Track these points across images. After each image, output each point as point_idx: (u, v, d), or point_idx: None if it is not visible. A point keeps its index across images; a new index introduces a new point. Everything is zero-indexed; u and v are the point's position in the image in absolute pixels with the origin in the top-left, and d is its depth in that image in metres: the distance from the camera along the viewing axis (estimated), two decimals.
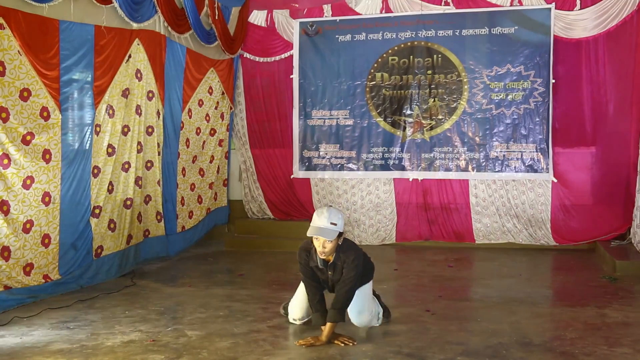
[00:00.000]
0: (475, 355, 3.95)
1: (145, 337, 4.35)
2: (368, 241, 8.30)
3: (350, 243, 4.39)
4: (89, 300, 5.35)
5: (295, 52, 8.71)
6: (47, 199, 5.34)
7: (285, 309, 4.84)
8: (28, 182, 5.12)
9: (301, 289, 4.56)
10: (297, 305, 4.60)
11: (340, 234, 4.21)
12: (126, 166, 6.40)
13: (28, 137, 5.10)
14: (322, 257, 4.23)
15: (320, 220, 4.15)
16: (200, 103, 7.97)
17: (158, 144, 6.95)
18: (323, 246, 4.16)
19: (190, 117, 7.74)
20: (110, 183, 6.19)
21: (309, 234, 4.17)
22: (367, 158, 8.45)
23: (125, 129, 6.37)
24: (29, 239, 5.17)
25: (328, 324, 4.19)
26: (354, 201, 8.46)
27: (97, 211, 6.01)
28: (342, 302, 4.23)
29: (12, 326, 4.57)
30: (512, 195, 8.03)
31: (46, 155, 5.30)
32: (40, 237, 5.30)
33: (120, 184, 6.35)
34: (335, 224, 4.13)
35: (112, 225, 6.24)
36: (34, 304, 5.12)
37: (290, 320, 4.68)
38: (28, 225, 5.15)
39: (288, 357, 3.97)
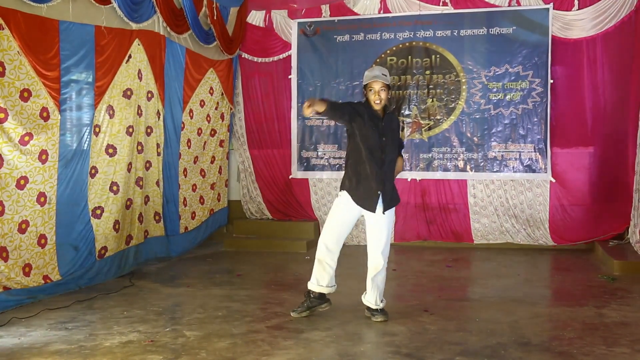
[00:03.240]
0: (474, 355, 3.96)
1: (143, 337, 4.36)
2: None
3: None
4: (88, 301, 5.35)
5: (293, 52, 8.71)
6: (42, 199, 5.33)
7: (296, 311, 4.87)
8: (22, 182, 5.11)
9: (334, 219, 4.80)
10: (332, 231, 4.81)
11: (389, 87, 4.78)
12: (130, 167, 6.41)
13: (26, 138, 5.09)
14: (377, 107, 4.72)
15: (372, 72, 4.74)
16: (202, 104, 7.97)
17: (158, 145, 6.95)
18: (379, 95, 4.69)
19: (191, 117, 7.73)
20: (115, 184, 6.18)
21: (365, 81, 4.73)
22: None
23: (130, 130, 6.37)
24: (24, 240, 5.16)
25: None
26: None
27: (98, 212, 6.00)
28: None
29: (11, 327, 4.57)
30: (511, 196, 8.04)
31: (42, 156, 5.29)
32: (36, 237, 5.30)
33: (125, 185, 6.35)
34: (385, 75, 4.73)
35: (117, 226, 6.25)
36: (32, 305, 5.13)
37: (319, 254, 4.83)
38: (23, 226, 5.15)
39: (286, 357, 3.97)
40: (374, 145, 4.71)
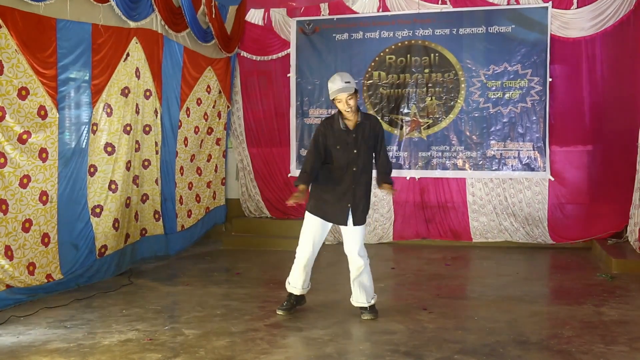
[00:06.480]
0: (473, 354, 3.96)
1: (142, 335, 4.35)
2: (365, 240, 8.28)
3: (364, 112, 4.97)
4: (86, 299, 5.35)
5: (292, 50, 8.70)
6: (44, 197, 5.34)
7: (282, 309, 4.91)
8: (25, 180, 5.11)
9: (309, 231, 4.83)
10: (309, 240, 4.83)
11: (357, 91, 4.69)
12: (129, 165, 6.40)
13: (24, 136, 5.09)
14: (349, 115, 4.67)
15: (335, 84, 4.64)
16: (199, 102, 7.96)
17: (156, 143, 6.95)
18: (347, 104, 4.63)
19: (188, 115, 7.73)
20: (114, 182, 6.18)
21: (332, 96, 4.66)
22: None
23: (128, 128, 6.36)
24: (28, 238, 5.16)
25: (386, 185, 4.77)
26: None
27: (97, 210, 6.00)
28: (387, 166, 4.87)
29: (9, 325, 4.57)
30: (509, 194, 8.04)
31: (42, 154, 5.29)
32: (40, 236, 5.30)
33: (124, 183, 6.34)
34: (348, 82, 4.63)
35: (116, 225, 6.24)
36: (31, 303, 5.12)
37: (295, 273, 4.90)
38: (27, 225, 5.15)
39: (285, 355, 3.97)
40: (345, 162, 4.72)
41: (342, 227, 4.83)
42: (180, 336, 4.35)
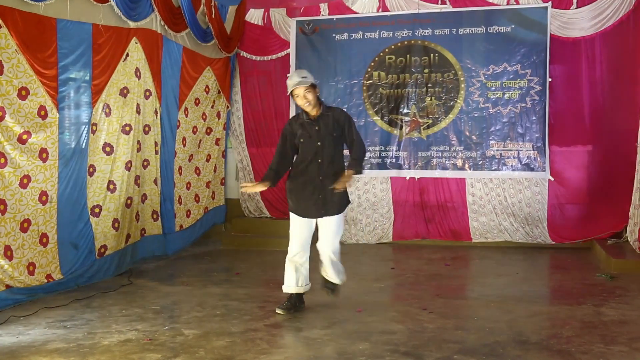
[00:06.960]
0: (472, 354, 3.96)
1: (142, 336, 4.36)
2: (365, 240, 8.31)
3: (332, 106, 5.07)
4: (86, 299, 5.35)
5: (292, 50, 8.69)
6: (44, 198, 5.34)
7: (281, 309, 4.92)
8: (25, 181, 5.12)
9: (294, 231, 4.89)
10: (295, 240, 4.89)
11: (314, 86, 4.76)
12: (129, 165, 6.40)
13: (24, 136, 5.09)
14: (308, 108, 4.75)
15: (292, 80, 4.74)
16: (197, 102, 7.96)
17: (155, 143, 6.95)
18: (305, 98, 4.72)
19: (186, 115, 7.73)
20: (112, 182, 6.19)
21: (289, 91, 4.76)
22: None
23: (127, 128, 6.37)
24: (27, 238, 5.16)
25: (349, 172, 4.68)
26: (351, 199, 8.42)
27: (97, 210, 6.00)
28: (360, 153, 4.84)
29: (9, 325, 4.57)
30: (509, 194, 8.04)
31: (43, 154, 5.29)
32: (38, 236, 5.30)
33: (124, 183, 6.34)
34: (305, 77, 4.73)
35: (116, 225, 6.25)
36: (30, 303, 5.13)
37: (288, 262, 4.94)
38: (25, 225, 5.15)
39: (285, 355, 3.97)
40: (309, 154, 4.79)
41: (318, 220, 4.88)
42: (180, 336, 4.35)
